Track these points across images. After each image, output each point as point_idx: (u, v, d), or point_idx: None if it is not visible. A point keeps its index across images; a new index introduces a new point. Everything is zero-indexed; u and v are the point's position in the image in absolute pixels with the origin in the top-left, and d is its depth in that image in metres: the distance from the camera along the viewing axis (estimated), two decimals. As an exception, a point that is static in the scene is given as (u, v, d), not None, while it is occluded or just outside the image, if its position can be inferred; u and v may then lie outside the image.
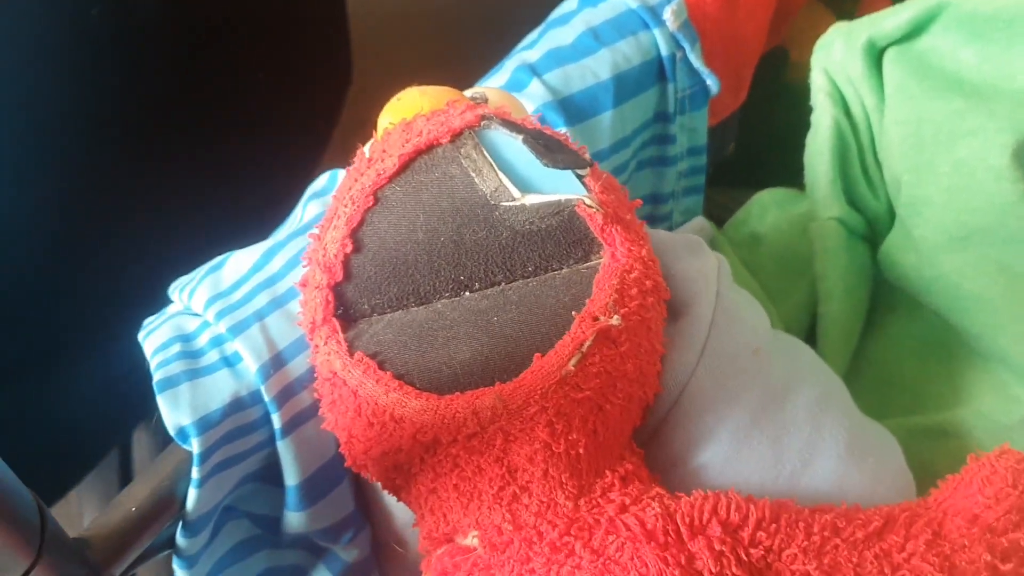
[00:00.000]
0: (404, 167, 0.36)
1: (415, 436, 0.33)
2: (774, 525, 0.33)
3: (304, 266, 0.37)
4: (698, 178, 0.58)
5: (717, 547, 0.32)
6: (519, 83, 0.49)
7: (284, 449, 0.39)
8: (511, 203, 0.35)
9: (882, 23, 0.46)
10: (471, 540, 0.35)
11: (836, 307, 0.48)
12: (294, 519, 0.42)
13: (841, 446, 0.38)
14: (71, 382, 0.61)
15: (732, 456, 0.36)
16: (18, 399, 0.57)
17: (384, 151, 0.36)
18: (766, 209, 0.55)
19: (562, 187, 0.35)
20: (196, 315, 0.42)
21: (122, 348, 0.60)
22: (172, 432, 0.38)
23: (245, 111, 0.67)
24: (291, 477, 0.40)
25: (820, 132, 0.49)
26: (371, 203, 0.36)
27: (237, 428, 0.38)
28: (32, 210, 0.54)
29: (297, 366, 0.39)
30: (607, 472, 0.35)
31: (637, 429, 0.37)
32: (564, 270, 0.35)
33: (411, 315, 0.35)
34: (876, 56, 0.48)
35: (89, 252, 0.57)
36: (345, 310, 0.35)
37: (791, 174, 0.57)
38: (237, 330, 0.39)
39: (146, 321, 0.43)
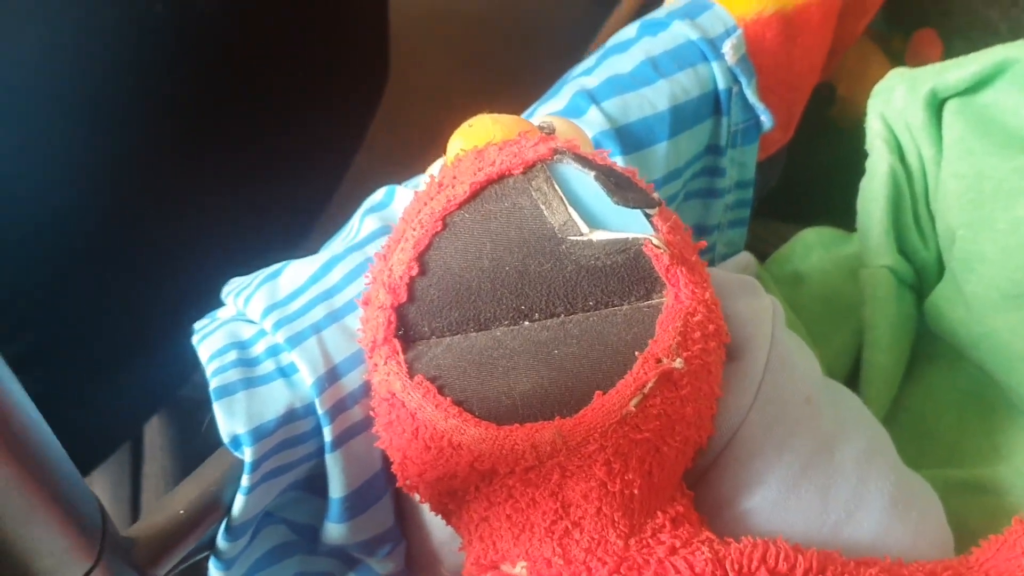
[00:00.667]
0: (474, 195, 0.36)
1: (472, 464, 0.34)
2: (821, 576, 0.34)
3: (367, 284, 0.38)
4: (744, 211, 0.58)
5: (764, 595, 0.33)
6: (577, 109, 0.49)
7: (332, 462, 0.40)
8: (578, 238, 0.35)
9: (946, 74, 0.47)
10: (519, 570, 0.35)
11: (883, 357, 0.49)
12: (334, 530, 0.42)
13: (886, 499, 0.38)
14: (99, 374, 0.61)
15: (780, 503, 0.37)
16: (44, 384, 0.58)
17: (455, 177, 0.37)
18: (810, 248, 0.55)
19: (630, 225, 0.36)
20: (251, 322, 0.42)
21: (148, 343, 0.61)
22: (226, 440, 0.38)
23: (284, 108, 0.68)
24: (336, 490, 0.40)
25: (876, 178, 0.49)
26: (439, 228, 0.36)
27: (289, 439, 0.39)
28: (81, 198, 0.54)
29: (351, 381, 0.40)
30: (658, 513, 0.35)
31: (687, 471, 0.37)
32: (625, 307, 0.35)
33: (470, 340, 0.35)
34: (937, 107, 0.48)
35: (128, 247, 0.58)
36: (406, 331, 0.36)
37: (832, 210, 0.57)
38: (294, 341, 0.39)
39: (197, 325, 0.44)
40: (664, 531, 0.34)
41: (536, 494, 0.34)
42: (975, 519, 0.44)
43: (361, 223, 0.45)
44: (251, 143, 0.65)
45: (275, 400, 0.39)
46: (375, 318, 0.36)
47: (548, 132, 0.39)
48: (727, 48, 0.52)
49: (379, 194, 0.46)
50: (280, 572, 0.46)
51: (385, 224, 0.44)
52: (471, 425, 0.34)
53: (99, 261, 0.57)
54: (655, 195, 0.36)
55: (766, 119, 0.54)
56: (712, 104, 0.53)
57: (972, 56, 0.46)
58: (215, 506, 0.39)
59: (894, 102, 0.49)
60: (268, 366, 0.40)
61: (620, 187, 0.36)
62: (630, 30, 0.54)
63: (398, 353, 0.35)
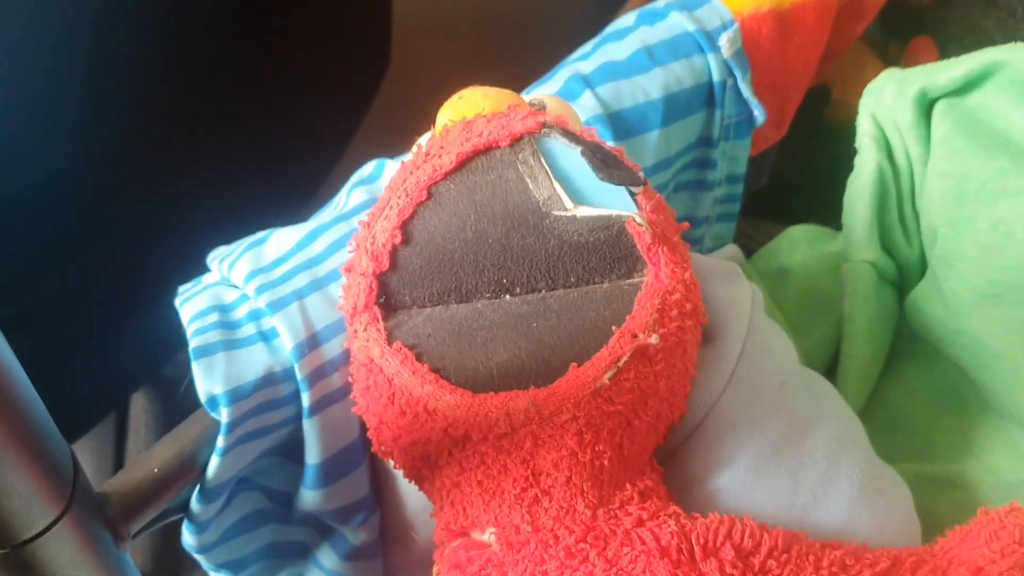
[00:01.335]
0: (461, 165, 0.36)
1: (446, 430, 0.34)
2: (785, 555, 0.34)
3: (350, 251, 0.38)
4: (733, 206, 0.58)
5: (728, 570, 0.33)
6: (571, 93, 0.49)
7: (309, 428, 0.40)
8: (562, 213, 0.36)
9: (936, 75, 0.47)
10: (488, 536, 0.36)
11: (860, 349, 0.49)
12: (309, 497, 0.42)
13: (855, 485, 0.38)
14: (88, 341, 0.61)
15: (749, 483, 0.37)
16: (30, 349, 0.58)
17: (442, 147, 0.37)
18: (796, 244, 0.56)
19: (614, 202, 0.36)
20: (235, 287, 0.42)
21: (140, 315, 0.61)
22: (203, 399, 0.38)
23: (282, 87, 0.68)
24: (312, 456, 0.41)
25: (863, 176, 0.49)
26: (424, 197, 0.36)
27: (266, 402, 0.39)
28: (74, 168, 0.54)
29: (331, 348, 0.40)
30: (627, 485, 0.35)
31: (659, 447, 0.37)
32: (606, 284, 0.36)
33: (451, 311, 0.36)
34: (926, 107, 0.48)
35: (123, 216, 0.58)
36: (387, 299, 0.36)
37: (821, 210, 0.58)
38: (276, 306, 0.40)
39: (182, 288, 0.44)
40: (632, 503, 0.35)
41: (508, 461, 0.34)
42: (944, 513, 0.44)
43: (349, 195, 0.46)
44: (248, 121, 0.65)
45: (254, 363, 0.39)
46: (357, 285, 0.36)
47: (539, 108, 0.40)
48: (723, 41, 0.53)
49: (368, 167, 0.47)
50: (254, 539, 0.46)
51: (372, 196, 0.45)
52: (447, 392, 0.34)
53: (89, 230, 0.57)
54: (640, 174, 0.37)
55: (759, 114, 0.54)
56: (706, 96, 0.53)
57: (962, 58, 0.47)
58: (190, 466, 0.40)
59: (884, 101, 0.49)
60: (249, 329, 0.40)
61: (606, 164, 0.36)
62: (629, 18, 0.55)
63: (378, 320, 0.36)
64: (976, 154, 0.45)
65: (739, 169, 0.57)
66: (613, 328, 0.34)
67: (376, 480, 0.45)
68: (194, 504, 0.41)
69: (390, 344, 0.35)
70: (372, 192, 0.45)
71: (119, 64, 0.55)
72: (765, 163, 0.62)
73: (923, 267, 0.49)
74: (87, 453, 0.92)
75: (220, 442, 0.39)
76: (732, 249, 0.54)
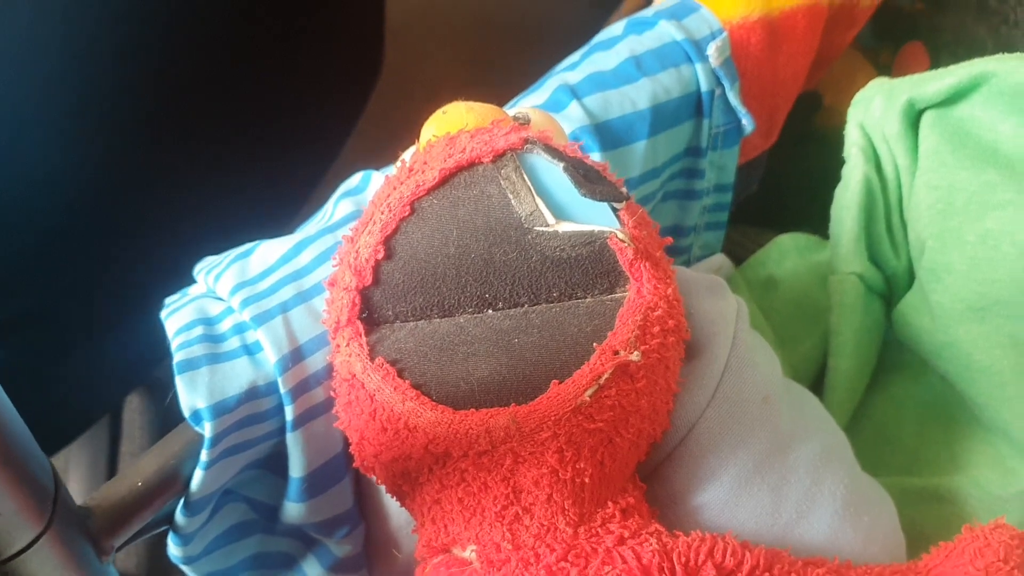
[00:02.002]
0: (444, 181, 0.36)
1: (427, 447, 0.34)
2: (767, 574, 0.34)
3: (334, 266, 0.38)
4: (721, 215, 0.58)
5: (709, 590, 0.33)
6: (558, 103, 0.49)
7: (293, 441, 0.40)
8: (545, 228, 0.36)
9: (924, 86, 0.47)
10: (469, 554, 0.36)
11: (847, 362, 0.49)
12: (293, 510, 0.42)
13: (839, 502, 0.38)
14: (93, 347, 0.62)
15: (731, 500, 0.37)
16: (22, 353, 0.58)
17: (425, 163, 0.37)
18: (786, 254, 0.56)
19: (597, 218, 0.36)
20: (220, 300, 0.42)
21: (132, 318, 0.61)
22: (186, 413, 0.38)
23: (275, 92, 0.68)
24: (296, 469, 0.41)
25: (850, 187, 0.49)
26: (407, 213, 0.36)
27: (250, 416, 0.39)
28: (66, 172, 0.54)
29: (315, 362, 0.40)
30: (609, 503, 0.35)
31: (641, 463, 0.37)
32: (588, 299, 0.36)
33: (433, 326, 0.36)
34: (914, 117, 0.48)
35: (114, 222, 0.58)
36: (370, 314, 0.36)
37: (811, 219, 0.57)
38: (261, 320, 0.40)
39: (168, 300, 0.44)
40: (614, 521, 0.35)
41: (488, 479, 0.34)
42: (930, 527, 0.44)
43: (335, 207, 0.45)
44: (240, 127, 0.65)
45: (238, 376, 0.39)
46: (340, 299, 0.36)
47: (523, 123, 0.40)
48: (712, 50, 0.52)
49: (355, 179, 0.47)
50: (240, 550, 0.46)
51: (359, 208, 0.45)
52: (427, 408, 0.34)
53: (81, 234, 0.57)
54: (623, 189, 0.37)
55: (747, 123, 0.54)
56: (694, 105, 0.53)
57: (951, 68, 0.47)
58: (174, 480, 0.40)
59: (872, 112, 0.49)
60: (233, 343, 0.40)
61: (589, 179, 0.36)
62: (617, 27, 0.54)
63: (360, 335, 0.36)
64: (964, 166, 0.45)
65: (727, 178, 0.56)
66: (594, 345, 0.34)
67: (360, 494, 0.45)
68: (179, 517, 0.41)
69: (372, 359, 0.35)
70: (358, 204, 0.45)
71: (113, 70, 0.55)
72: (754, 171, 0.62)
73: (911, 279, 0.49)
74: (81, 456, 0.92)
75: (203, 456, 0.39)
76: (720, 259, 0.54)
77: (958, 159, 0.45)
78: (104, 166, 0.56)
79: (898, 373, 0.51)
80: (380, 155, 0.47)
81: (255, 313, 0.40)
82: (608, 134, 0.49)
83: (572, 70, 0.51)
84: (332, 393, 0.38)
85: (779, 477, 0.38)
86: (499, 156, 0.36)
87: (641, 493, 0.37)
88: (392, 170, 0.44)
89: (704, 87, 0.52)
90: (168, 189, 0.61)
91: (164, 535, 0.43)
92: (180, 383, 0.38)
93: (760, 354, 0.40)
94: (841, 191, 0.50)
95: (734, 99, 0.54)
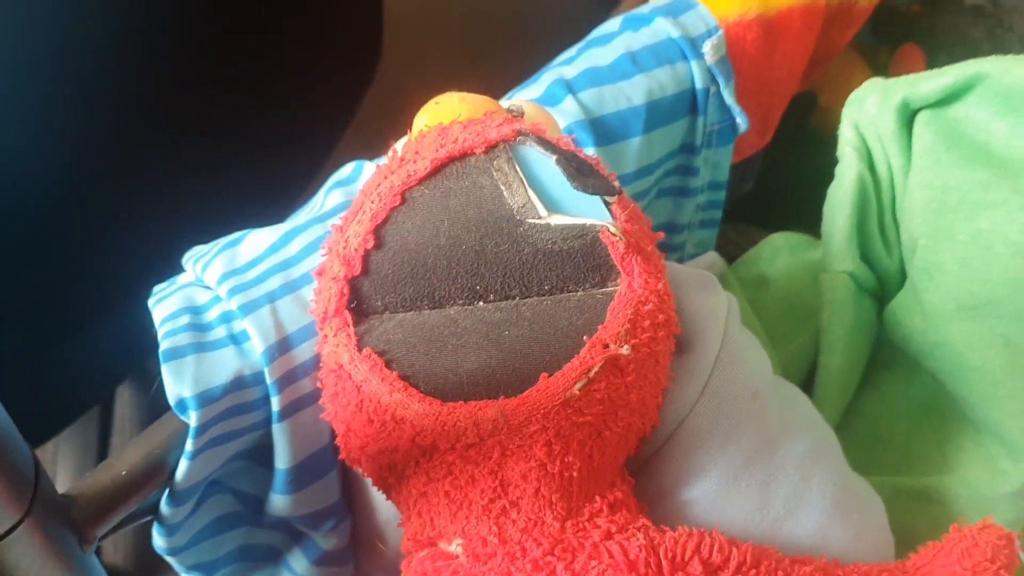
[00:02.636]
0: (435, 171, 0.36)
1: (414, 439, 0.34)
2: (754, 571, 0.34)
3: (323, 255, 0.38)
4: (715, 212, 0.58)
5: (696, 585, 0.33)
6: (553, 98, 0.49)
7: (279, 432, 0.40)
8: (536, 221, 0.35)
9: (919, 85, 0.47)
10: (455, 547, 0.35)
11: (837, 361, 0.49)
12: (279, 502, 0.42)
13: (828, 499, 0.38)
14: (79, 336, 0.61)
15: (720, 495, 0.37)
16: (14, 343, 0.57)
17: (417, 153, 0.36)
18: (778, 252, 0.55)
19: (588, 211, 0.36)
20: (208, 288, 0.42)
21: (123, 308, 0.60)
22: (172, 402, 0.38)
23: (269, 87, 0.67)
24: (282, 461, 0.40)
25: (843, 185, 0.49)
26: (398, 202, 0.36)
27: (236, 406, 0.39)
28: (55, 161, 0.54)
29: (302, 352, 0.40)
30: (597, 498, 0.35)
31: (631, 457, 0.37)
32: (579, 293, 0.35)
33: (423, 318, 0.35)
34: (908, 117, 0.48)
35: (105, 211, 0.58)
36: (359, 304, 0.36)
37: (806, 218, 0.57)
38: (248, 309, 0.39)
39: (156, 288, 0.43)
40: (601, 515, 0.34)
41: (475, 472, 0.34)
42: (920, 527, 0.44)
43: (326, 196, 0.45)
44: (234, 119, 0.65)
45: (224, 366, 0.38)
46: (328, 289, 0.36)
47: (516, 115, 0.39)
48: (707, 48, 0.52)
49: (347, 169, 0.46)
50: (225, 542, 0.46)
51: (349, 199, 0.44)
52: (415, 400, 0.34)
53: (69, 224, 0.57)
54: (616, 183, 0.36)
55: (742, 121, 0.54)
56: (689, 103, 0.53)
57: (946, 69, 0.46)
58: (159, 469, 0.39)
59: (867, 111, 0.49)
60: (220, 332, 0.40)
61: (581, 172, 0.36)
62: (614, 23, 0.54)
63: (348, 325, 0.35)
64: (957, 166, 0.45)
65: (721, 176, 0.56)
66: (584, 338, 0.34)
67: (347, 487, 0.44)
68: (163, 507, 0.40)
69: (360, 350, 0.35)
70: (349, 194, 0.44)
71: (101, 59, 0.55)
72: (749, 170, 0.62)
73: (903, 278, 0.49)
74: (70, 449, 0.92)
75: (189, 446, 0.38)
76: (712, 256, 0.54)
77: (952, 158, 0.45)
78: (90, 156, 0.55)
79: (889, 372, 0.51)
80: (376, 148, 0.47)
81: (242, 302, 0.39)
82: (603, 129, 0.49)
83: (568, 65, 0.51)
84: (319, 384, 0.38)
85: (768, 473, 0.37)
86: (492, 147, 0.36)
87: (630, 488, 0.36)
88: (384, 160, 0.44)
89: (699, 84, 0.52)
90: (158, 180, 0.60)
91: (150, 527, 0.42)
92: (166, 372, 0.38)
93: (750, 350, 0.40)
94: (834, 189, 0.50)
95: (729, 97, 0.53)
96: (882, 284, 0.50)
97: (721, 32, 0.53)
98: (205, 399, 0.38)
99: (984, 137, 0.45)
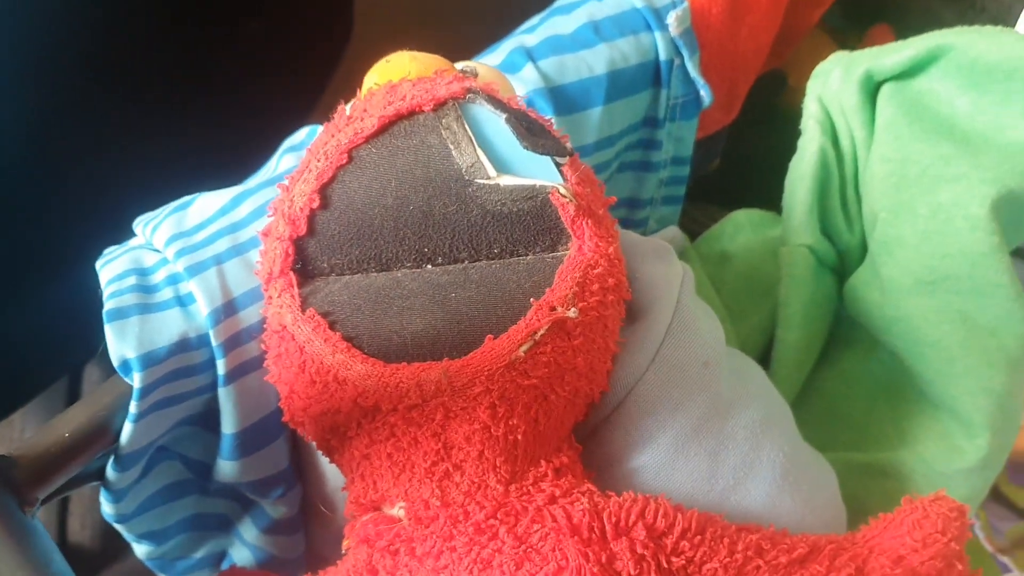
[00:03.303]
0: (383, 129, 0.35)
1: (356, 400, 0.33)
2: (699, 537, 0.33)
3: (269, 216, 0.37)
4: (678, 188, 0.57)
5: (639, 551, 0.32)
6: (513, 65, 0.48)
7: (225, 396, 0.39)
8: (486, 181, 0.35)
9: (882, 58, 0.46)
10: (397, 511, 0.35)
11: (794, 335, 0.48)
12: (226, 467, 0.41)
13: (777, 470, 0.38)
14: (29, 305, 0.60)
15: (668, 463, 0.36)
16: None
17: (364, 110, 0.36)
18: (740, 229, 0.55)
19: (539, 172, 0.35)
20: (156, 251, 0.41)
21: (84, 278, 0.59)
22: (115, 363, 0.37)
23: (237, 57, 0.66)
24: (228, 425, 0.40)
25: (805, 158, 0.49)
26: (344, 161, 0.35)
27: (181, 368, 0.38)
28: (5, 129, 0.53)
29: (249, 315, 0.39)
30: (542, 462, 0.34)
31: (579, 424, 0.37)
32: (529, 256, 0.35)
33: (369, 280, 0.35)
34: (872, 90, 0.47)
35: (61, 178, 0.57)
36: (304, 265, 0.35)
37: (771, 197, 0.57)
38: (194, 271, 0.39)
39: (107, 250, 0.43)
40: (546, 480, 0.34)
41: (418, 434, 0.33)
42: (875, 502, 0.44)
43: (279, 160, 0.45)
44: (198, 92, 0.64)
45: (168, 327, 0.38)
46: (273, 250, 0.35)
47: (470, 75, 0.39)
48: (671, 19, 0.52)
49: (301, 133, 0.46)
50: (175, 511, 0.45)
51: (302, 163, 0.44)
52: (358, 361, 0.33)
53: (17, 188, 0.55)
54: (568, 145, 0.36)
55: (706, 95, 0.54)
56: (652, 74, 0.52)
57: (909, 41, 0.46)
58: (103, 432, 0.39)
59: (831, 84, 0.49)
60: (166, 294, 0.39)
61: (532, 132, 0.35)
62: (578, -7, 0.54)
63: (292, 286, 0.35)
64: (919, 139, 0.45)
65: (685, 151, 0.56)
66: (531, 300, 0.33)
67: (296, 455, 0.44)
68: (109, 471, 0.40)
69: (303, 311, 0.34)
70: (302, 158, 0.44)
71: (57, 24, 0.53)
72: (714, 146, 0.61)
73: (863, 253, 0.49)
74: (37, 425, 0.91)
75: (133, 408, 0.38)
76: (673, 230, 0.53)
77: (914, 132, 0.45)
78: (42, 122, 0.54)
79: (849, 349, 0.51)
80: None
81: (188, 264, 0.39)
82: (563, 98, 0.49)
83: (530, 33, 0.50)
84: (263, 346, 0.37)
85: (717, 442, 0.37)
86: (440, 105, 0.35)
87: (576, 454, 0.36)
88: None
89: (663, 56, 0.52)
90: (118, 150, 0.59)
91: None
92: (109, 332, 0.37)
93: (703, 320, 0.39)
94: (796, 163, 0.50)
95: (693, 70, 0.53)
96: (843, 259, 0.50)
97: (686, 4, 0.52)
98: (149, 360, 0.37)
99: (946, 110, 0.45)
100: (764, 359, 0.50)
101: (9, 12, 0.51)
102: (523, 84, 0.48)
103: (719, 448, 0.37)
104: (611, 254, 0.35)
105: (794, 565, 0.34)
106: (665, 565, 0.32)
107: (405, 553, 0.34)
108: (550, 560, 0.32)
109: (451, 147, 0.35)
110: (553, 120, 0.48)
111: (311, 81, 0.76)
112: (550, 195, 0.35)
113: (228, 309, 0.38)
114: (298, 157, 0.44)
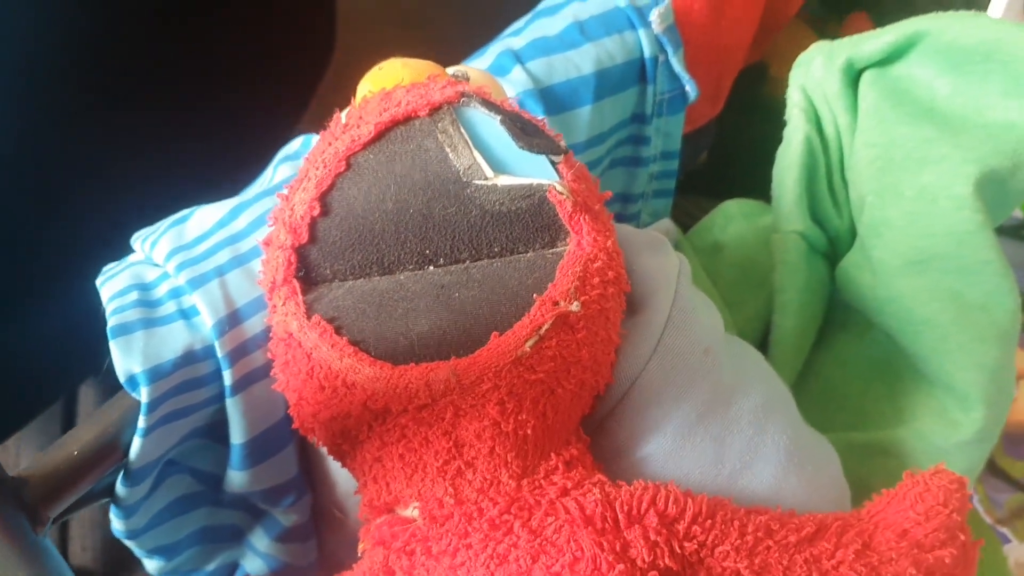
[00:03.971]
0: (380, 136, 0.36)
1: (365, 403, 0.34)
2: (709, 521, 0.34)
3: (270, 225, 0.37)
4: (669, 182, 0.58)
5: (652, 537, 0.33)
6: (502, 68, 0.49)
7: (232, 407, 0.39)
8: (483, 182, 0.35)
9: (862, 45, 0.47)
10: (411, 511, 0.35)
11: (791, 321, 0.49)
12: (236, 478, 0.42)
13: (782, 452, 0.38)
14: (26, 325, 0.60)
15: (675, 451, 0.37)
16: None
17: (361, 118, 0.36)
18: (731, 219, 0.56)
19: (535, 171, 0.36)
20: (157, 265, 0.41)
21: (81, 297, 0.60)
22: (122, 379, 0.37)
23: (225, 69, 0.67)
24: (237, 435, 0.40)
25: (792, 147, 0.50)
26: (343, 168, 0.36)
27: (187, 381, 0.38)
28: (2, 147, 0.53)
29: (253, 325, 0.39)
30: (552, 455, 0.35)
31: (585, 417, 0.37)
32: (530, 253, 0.35)
33: (372, 284, 0.35)
34: (854, 77, 0.48)
35: (56, 196, 0.57)
36: (307, 273, 0.35)
37: (761, 187, 0.58)
38: (196, 283, 0.39)
39: (106, 267, 0.43)
40: (557, 473, 0.34)
41: (429, 433, 0.34)
42: (876, 479, 0.44)
43: (275, 170, 0.45)
44: (185, 107, 0.64)
45: (174, 341, 0.38)
46: (275, 258, 0.36)
47: (461, 79, 0.39)
48: (654, 16, 0.52)
49: (296, 143, 0.46)
50: (186, 524, 0.46)
51: (297, 172, 0.44)
52: (366, 364, 0.34)
53: (11, 207, 0.56)
54: (562, 143, 0.36)
55: (691, 89, 0.54)
56: (638, 72, 0.53)
57: (887, 28, 0.47)
58: (112, 448, 0.39)
59: (813, 73, 0.49)
60: (169, 307, 0.39)
61: (526, 132, 0.36)
62: (561, -6, 0.54)
63: (297, 294, 0.35)
64: (902, 123, 0.45)
65: (674, 145, 0.56)
66: (534, 296, 0.34)
67: (306, 461, 0.44)
68: (119, 487, 0.40)
69: (308, 318, 0.35)
70: (297, 168, 0.44)
71: (48, 34, 0.54)
72: (702, 140, 0.62)
73: (853, 238, 0.50)
74: (32, 448, 0.91)
75: (141, 422, 0.38)
76: (666, 223, 0.54)
77: (897, 116, 0.46)
78: (38, 142, 0.54)
79: (844, 331, 0.51)
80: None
81: (191, 277, 0.39)
82: (552, 99, 0.49)
83: (516, 36, 0.51)
84: (270, 355, 0.37)
85: (722, 428, 0.38)
86: (435, 109, 0.36)
87: (585, 446, 0.36)
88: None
89: (648, 53, 0.52)
90: (108, 165, 0.59)
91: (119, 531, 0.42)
92: (114, 348, 0.37)
93: (701, 309, 0.40)
94: (783, 152, 0.50)
95: (678, 65, 0.54)
96: (833, 244, 0.51)
97: (668, 1, 0.53)
98: (155, 374, 0.37)
99: (927, 94, 0.46)
100: (762, 346, 0.51)
101: (6, 28, 0.51)
102: (512, 86, 0.48)
103: (724, 433, 0.38)
104: (609, 248, 0.36)
105: (803, 543, 0.35)
106: (678, 550, 0.33)
107: (421, 553, 0.34)
108: (565, 552, 0.32)
109: (448, 150, 0.36)
110: (543, 119, 0.48)
111: (297, 91, 0.76)
112: (547, 193, 0.35)
113: (232, 320, 0.39)
114: (294, 167, 0.44)
